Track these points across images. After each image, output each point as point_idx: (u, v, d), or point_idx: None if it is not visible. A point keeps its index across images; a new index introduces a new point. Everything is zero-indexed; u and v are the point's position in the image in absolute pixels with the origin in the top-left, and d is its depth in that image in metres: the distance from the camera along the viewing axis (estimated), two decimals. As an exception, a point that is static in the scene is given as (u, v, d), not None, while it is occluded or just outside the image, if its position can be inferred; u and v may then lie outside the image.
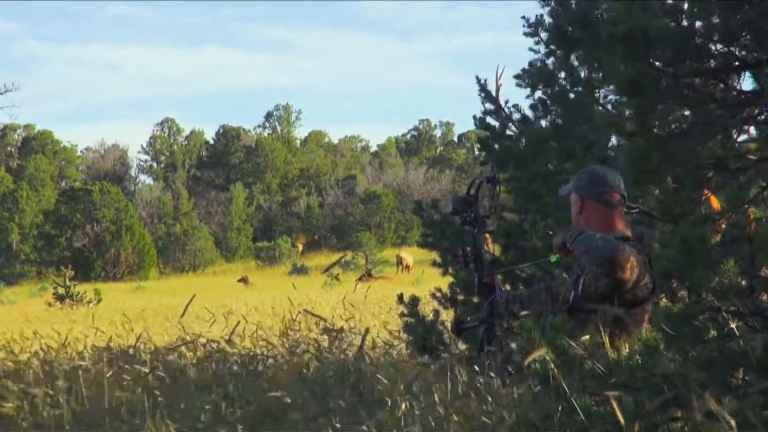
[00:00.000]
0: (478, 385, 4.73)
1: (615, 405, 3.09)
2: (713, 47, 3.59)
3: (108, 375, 7.08)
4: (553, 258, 4.97)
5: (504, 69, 7.94)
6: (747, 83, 3.93)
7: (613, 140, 7.23)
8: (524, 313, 4.81)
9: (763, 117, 3.64)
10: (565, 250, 4.74)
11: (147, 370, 7.12)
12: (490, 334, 5.12)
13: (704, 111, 3.53)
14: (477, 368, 5.00)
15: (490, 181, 5.33)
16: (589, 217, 4.73)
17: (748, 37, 3.43)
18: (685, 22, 3.46)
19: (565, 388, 3.35)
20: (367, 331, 6.90)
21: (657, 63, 3.41)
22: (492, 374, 4.76)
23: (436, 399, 4.85)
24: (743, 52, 3.54)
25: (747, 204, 3.43)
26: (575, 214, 4.84)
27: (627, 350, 3.67)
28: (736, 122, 3.60)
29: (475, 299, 7.03)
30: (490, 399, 4.46)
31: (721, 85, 3.64)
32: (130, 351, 8.24)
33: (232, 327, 8.98)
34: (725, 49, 3.56)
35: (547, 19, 7.52)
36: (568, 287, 4.61)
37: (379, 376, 5.78)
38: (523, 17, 7.78)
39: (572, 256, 4.73)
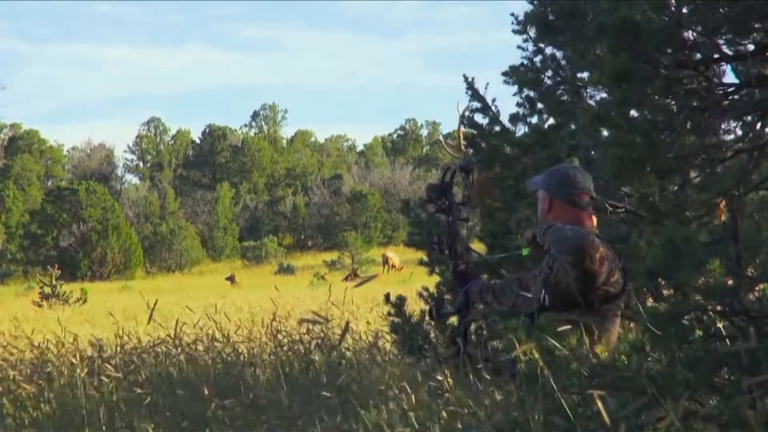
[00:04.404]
0: (462, 384, 4.71)
1: (600, 405, 3.08)
2: (696, 37, 3.58)
3: (87, 374, 7.03)
4: (525, 251, 4.96)
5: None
6: (730, 76, 3.92)
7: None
8: (481, 307, 4.83)
9: (744, 109, 3.63)
10: (536, 245, 4.74)
11: (130, 370, 7.08)
12: (466, 323, 5.14)
13: (687, 103, 3.53)
14: (460, 367, 4.97)
15: (464, 170, 5.29)
16: (557, 216, 4.71)
17: (731, 29, 3.43)
18: (669, 14, 3.46)
19: (553, 387, 3.34)
20: (346, 329, 6.85)
21: (643, 54, 3.40)
22: (474, 373, 4.75)
23: (421, 399, 4.82)
24: (726, 44, 3.54)
25: (722, 196, 3.43)
26: (543, 211, 4.83)
27: (602, 351, 3.65)
28: (718, 114, 3.60)
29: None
30: (475, 398, 4.44)
31: (703, 77, 3.63)
32: (114, 351, 8.19)
33: (217, 326, 8.93)
34: (708, 40, 3.55)
35: (529, 9, 7.53)
36: (537, 287, 4.61)
37: (363, 376, 5.76)
38: (512, 14, 7.79)
39: (542, 251, 4.73)
